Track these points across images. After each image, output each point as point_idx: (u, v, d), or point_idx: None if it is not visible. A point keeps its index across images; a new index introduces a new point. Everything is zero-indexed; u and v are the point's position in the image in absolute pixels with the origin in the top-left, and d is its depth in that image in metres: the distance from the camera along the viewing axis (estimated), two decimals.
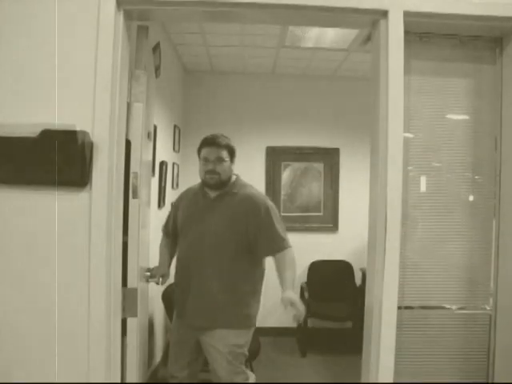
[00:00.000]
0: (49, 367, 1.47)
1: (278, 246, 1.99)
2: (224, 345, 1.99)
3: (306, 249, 3.84)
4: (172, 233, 2.25)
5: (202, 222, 2.07)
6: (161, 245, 2.30)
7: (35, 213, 1.47)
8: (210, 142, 2.06)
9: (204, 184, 2.10)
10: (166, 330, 3.37)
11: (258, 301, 2.11)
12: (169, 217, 2.31)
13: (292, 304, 1.76)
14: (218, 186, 2.05)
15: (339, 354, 3.62)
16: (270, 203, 2.09)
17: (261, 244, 2.00)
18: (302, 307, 1.77)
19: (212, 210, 2.07)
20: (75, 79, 1.48)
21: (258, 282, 2.10)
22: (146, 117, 1.79)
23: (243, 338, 2.05)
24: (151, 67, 1.75)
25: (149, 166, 1.94)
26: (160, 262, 2.22)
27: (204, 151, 2.06)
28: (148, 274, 1.93)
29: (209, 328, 2.01)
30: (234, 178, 2.12)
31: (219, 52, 3.77)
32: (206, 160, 2.05)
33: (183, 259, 2.11)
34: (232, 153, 2.10)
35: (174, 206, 2.31)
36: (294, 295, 1.82)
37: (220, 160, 2.03)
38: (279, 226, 2.03)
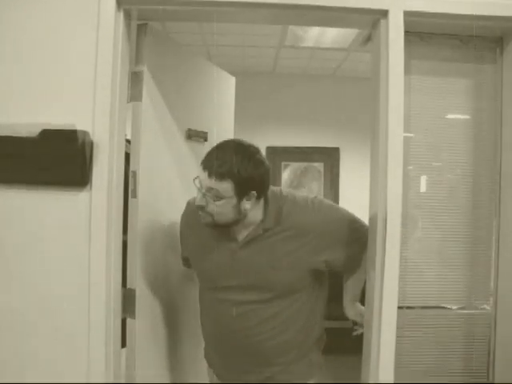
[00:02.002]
0: (48, 367, 1.47)
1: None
2: None
3: None
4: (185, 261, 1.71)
5: (230, 278, 1.47)
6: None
7: (35, 213, 1.46)
8: (204, 161, 1.38)
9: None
10: None
11: None
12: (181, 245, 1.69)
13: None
14: (225, 226, 1.42)
15: (339, 353, 3.62)
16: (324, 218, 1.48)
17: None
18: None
19: (244, 262, 1.45)
20: (75, 79, 1.47)
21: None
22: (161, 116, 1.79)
23: None
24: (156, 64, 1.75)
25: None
26: None
27: (200, 171, 1.39)
28: None
29: None
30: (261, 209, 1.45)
31: (219, 52, 3.78)
32: (198, 188, 1.40)
33: (216, 327, 1.56)
34: (244, 184, 1.34)
35: (180, 232, 1.68)
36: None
37: (213, 195, 1.35)
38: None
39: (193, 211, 1.49)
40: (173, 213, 1.88)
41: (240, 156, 1.34)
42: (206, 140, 2.04)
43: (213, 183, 1.33)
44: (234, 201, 1.35)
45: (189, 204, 1.62)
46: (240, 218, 1.40)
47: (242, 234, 1.46)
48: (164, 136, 1.83)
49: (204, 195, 1.37)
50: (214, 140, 2.07)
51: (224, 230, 1.45)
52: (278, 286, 1.45)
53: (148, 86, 1.69)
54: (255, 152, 1.41)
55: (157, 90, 1.74)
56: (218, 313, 1.53)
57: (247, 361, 1.52)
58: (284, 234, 1.44)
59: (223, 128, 2.25)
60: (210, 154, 1.38)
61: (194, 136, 1.97)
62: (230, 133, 2.32)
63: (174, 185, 1.90)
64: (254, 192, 1.38)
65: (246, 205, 1.38)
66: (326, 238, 1.46)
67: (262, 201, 1.44)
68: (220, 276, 1.49)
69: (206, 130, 2.03)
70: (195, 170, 1.95)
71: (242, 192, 1.35)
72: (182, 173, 1.93)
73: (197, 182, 1.40)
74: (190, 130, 1.95)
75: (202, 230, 1.49)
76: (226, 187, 1.33)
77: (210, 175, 1.33)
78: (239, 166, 1.32)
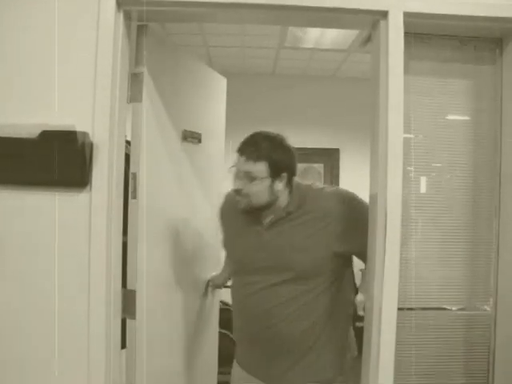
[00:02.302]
0: (48, 367, 1.46)
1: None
2: None
3: None
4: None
5: (256, 260, 1.56)
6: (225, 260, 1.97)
7: (35, 213, 1.46)
8: (239, 149, 1.53)
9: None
10: None
11: None
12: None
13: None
14: (256, 209, 1.54)
15: None
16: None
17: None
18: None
19: (269, 244, 1.54)
20: (75, 80, 1.47)
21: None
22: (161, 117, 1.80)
23: None
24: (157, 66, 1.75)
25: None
26: (220, 273, 2.05)
27: (236, 159, 1.53)
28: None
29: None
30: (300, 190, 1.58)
31: (219, 53, 3.78)
32: (235, 173, 1.53)
33: (241, 305, 1.63)
34: (277, 165, 1.50)
35: (220, 222, 1.81)
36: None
37: (250, 177, 1.49)
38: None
39: (228, 202, 1.71)
40: (171, 213, 1.90)
41: (271, 142, 1.53)
42: (199, 141, 2.05)
43: (249, 166, 1.48)
44: (268, 182, 1.49)
45: (226, 196, 1.77)
46: (273, 199, 1.53)
47: (268, 218, 1.57)
48: (162, 137, 1.84)
49: (241, 179, 1.50)
50: (208, 141, 2.10)
51: (254, 214, 1.57)
52: (298, 267, 1.51)
53: (147, 87, 1.69)
54: (283, 139, 1.60)
55: (155, 91, 1.75)
56: (243, 296, 1.61)
57: (269, 346, 1.56)
58: (305, 217, 1.54)
59: (215, 129, 2.27)
60: (244, 142, 1.54)
61: (189, 137, 1.98)
62: (222, 134, 2.33)
63: (171, 185, 1.90)
64: (285, 174, 1.53)
65: (278, 186, 1.52)
66: (344, 224, 1.53)
67: (288, 187, 1.57)
68: (247, 258, 1.59)
69: (199, 131, 2.05)
70: (190, 170, 1.99)
71: (274, 173, 1.50)
72: (178, 174, 1.94)
73: (233, 169, 1.54)
74: (185, 131, 1.96)
75: (235, 218, 1.64)
76: (261, 169, 1.48)
77: (247, 159, 1.49)
78: (271, 150, 1.50)
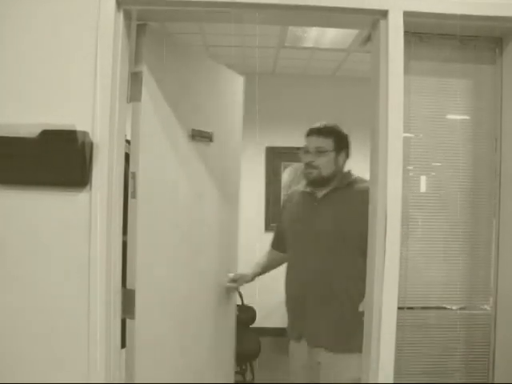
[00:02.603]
0: (48, 367, 1.47)
1: None
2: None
3: None
4: (278, 241, 2.11)
5: (309, 226, 1.86)
6: (266, 253, 2.18)
7: (35, 213, 1.46)
8: (310, 131, 1.86)
9: (306, 181, 1.89)
10: None
11: None
12: (276, 226, 2.16)
13: None
14: (319, 182, 1.84)
15: None
16: None
17: None
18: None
19: (320, 211, 1.85)
20: (75, 79, 1.47)
21: None
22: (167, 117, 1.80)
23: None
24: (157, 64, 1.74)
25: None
26: (251, 271, 2.14)
27: (305, 141, 1.86)
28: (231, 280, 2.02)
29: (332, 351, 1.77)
30: (344, 171, 1.90)
31: (219, 52, 3.78)
32: (305, 151, 1.84)
33: (292, 272, 1.92)
34: (340, 142, 1.85)
35: (282, 209, 2.15)
36: None
37: (320, 151, 1.81)
38: None
39: (294, 191, 2.08)
40: (177, 213, 1.88)
41: (334, 125, 1.90)
42: (211, 140, 2.02)
43: (320, 141, 1.82)
44: (333, 155, 1.84)
45: (293, 189, 2.12)
46: (335, 171, 1.85)
47: (322, 192, 1.88)
48: (166, 136, 1.82)
49: (312, 154, 1.82)
50: (221, 140, 2.07)
51: (311, 193, 1.90)
52: (332, 236, 1.79)
53: (148, 86, 1.69)
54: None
55: (158, 90, 1.74)
56: (294, 266, 1.92)
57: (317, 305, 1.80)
58: (346, 194, 1.84)
59: (230, 128, 2.22)
60: (313, 127, 1.88)
61: (198, 136, 1.96)
62: (238, 133, 2.29)
63: (178, 185, 1.88)
64: (344, 152, 1.89)
65: (340, 160, 1.88)
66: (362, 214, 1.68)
67: (343, 165, 1.92)
68: (304, 225, 1.87)
69: (210, 131, 2.02)
70: (200, 169, 1.98)
71: (338, 148, 1.86)
72: (186, 173, 1.92)
73: (302, 151, 1.87)
74: (193, 130, 1.94)
75: (297, 202, 1.98)
76: (329, 143, 1.82)
77: (317, 136, 1.83)
78: (336, 129, 1.88)
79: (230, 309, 2.23)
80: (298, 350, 1.92)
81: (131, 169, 1.67)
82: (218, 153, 2.10)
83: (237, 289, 2.13)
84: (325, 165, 1.81)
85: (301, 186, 2.00)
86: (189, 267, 1.95)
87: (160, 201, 1.79)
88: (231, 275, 2.09)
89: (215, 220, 2.11)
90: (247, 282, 2.11)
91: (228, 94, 2.20)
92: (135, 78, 1.66)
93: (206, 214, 2.06)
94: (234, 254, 2.25)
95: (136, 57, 1.67)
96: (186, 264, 1.94)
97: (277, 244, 2.14)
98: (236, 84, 2.28)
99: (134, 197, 1.66)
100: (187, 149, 1.92)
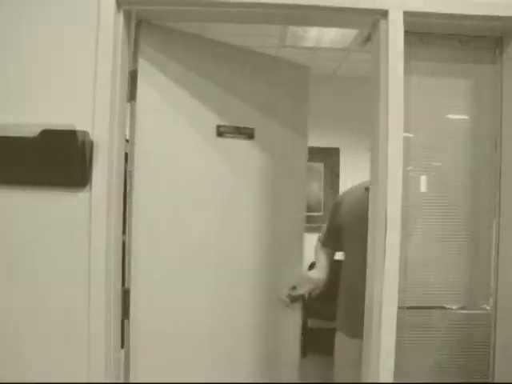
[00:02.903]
0: (48, 367, 1.47)
1: None
2: None
3: (307, 248, 3.84)
4: (330, 239, 2.11)
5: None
6: (318, 254, 2.15)
7: (34, 213, 1.46)
8: None
9: None
10: None
11: None
12: (329, 224, 2.15)
13: None
14: None
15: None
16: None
17: None
18: None
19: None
20: (75, 79, 1.47)
21: None
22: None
23: None
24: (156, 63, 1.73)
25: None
26: (317, 272, 2.12)
27: None
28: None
29: None
30: None
31: None
32: None
33: (351, 268, 1.93)
34: None
35: (334, 207, 2.15)
36: None
37: None
38: None
39: (349, 192, 2.15)
40: (186, 211, 1.81)
41: None
42: (250, 137, 1.90)
43: None
44: None
45: (350, 187, 2.19)
46: None
47: None
48: (175, 134, 1.77)
49: None
50: (261, 137, 1.94)
51: None
52: None
53: (149, 83, 1.68)
54: None
55: (160, 87, 1.72)
56: (351, 263, 1.98)
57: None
58: None
59: (296, 125, 2.11)
60: None
61: (227, 132, 1.84)
62: (305, 130, 2.18)
63: (189, 183, 1.81)
64: None
65: None
66: None
67: None
68: (362, 224, 1.75)
69: (251, 126, 1.90)
70: (226, 167, 1.89)
71: None
72: (207, 171, 1.83)
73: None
74: (220, 126, 1.83)
75: (357, 198, 2.00)
76: None
77: None
78: None
79: (289, 320, 2.11)
80: (350, 345, 1.90)
81: (129, 167, 1.66)
82: (261, 149, 1.97)
83: (302, 296, 2.08)
84: None
85: (362, 183, 2.00)
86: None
87: (164, 199, 1.76)
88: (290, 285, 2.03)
89: (251, 223, 1.99)
90: (316, 286, 2.09)
91: (282, 87, 2.04)
92: (134, 77, 1.66)
93: (235, 215, 1.95)
94: (299, 260, 2.15)
95: (134, 55, 1.66)
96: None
97: (329, 242, 2.13)
98: (303, 75, 2.12)
99: (131, 196, 1.66)
100: (211, 146, 1.83)
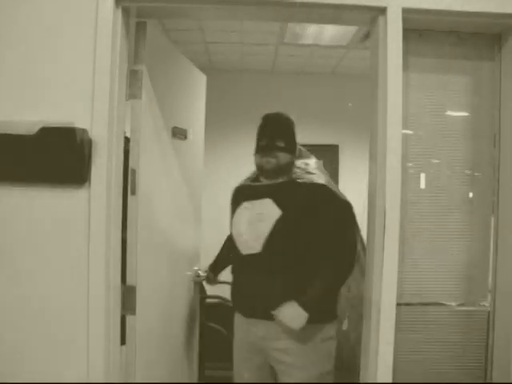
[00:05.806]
0: (48, 365, 1.47)
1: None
2: None
3: None
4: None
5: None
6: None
7: (33, 210, 1.47)
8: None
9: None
10: None
11: None
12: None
13: None
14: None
15: None
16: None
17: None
18: None
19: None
20: (74, 76, 1.47)
21: None
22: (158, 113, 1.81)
23: None
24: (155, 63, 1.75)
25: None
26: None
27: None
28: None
29: None
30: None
31: (218, 49, 3.77)
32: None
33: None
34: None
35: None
36: None
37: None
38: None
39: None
40: (163, 211, 1.89)
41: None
42: (185, 137, 2.08)
43: None
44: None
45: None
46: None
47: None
48: (156, 134, 1.84)
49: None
50: (192, 137, 2.15)
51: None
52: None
53: (145, 84, 1.69)
54: None
55: (151, 88, 1.74)
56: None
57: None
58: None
59: (198, 126, 2.29)
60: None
61: (178, 134, 2.01)
62: (202, 130, 2.33)
63: (162, 182, 1.90)
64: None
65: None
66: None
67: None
68: None
69: (185, 128, 2.08)
70: (177, 166, 2.01)
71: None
72: (167, 170, 1.94)
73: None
74: (175, 127, 1.98)
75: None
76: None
77: None
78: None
79: (196, 304, 2.26)
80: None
81: (131, 165, 1.66)
82: (190, 149, 2.16)
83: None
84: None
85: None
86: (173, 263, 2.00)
87: (154, 197, 1.80)
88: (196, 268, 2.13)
89: (186, 215, 2.16)
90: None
91: (196, 92, 2.25)
92: (134, 76, 1.66)
93: (182, 209, 2.10)
94: (197, 248, 2.28)
95: (136, 55, 1.67)
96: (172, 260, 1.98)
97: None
98: (201, 82, 2.30)
99: (133, 193, 1.66)
100: (169, 146, 1.95)
